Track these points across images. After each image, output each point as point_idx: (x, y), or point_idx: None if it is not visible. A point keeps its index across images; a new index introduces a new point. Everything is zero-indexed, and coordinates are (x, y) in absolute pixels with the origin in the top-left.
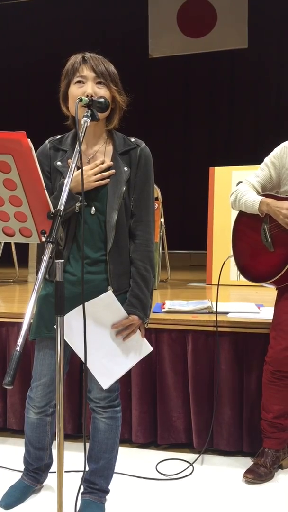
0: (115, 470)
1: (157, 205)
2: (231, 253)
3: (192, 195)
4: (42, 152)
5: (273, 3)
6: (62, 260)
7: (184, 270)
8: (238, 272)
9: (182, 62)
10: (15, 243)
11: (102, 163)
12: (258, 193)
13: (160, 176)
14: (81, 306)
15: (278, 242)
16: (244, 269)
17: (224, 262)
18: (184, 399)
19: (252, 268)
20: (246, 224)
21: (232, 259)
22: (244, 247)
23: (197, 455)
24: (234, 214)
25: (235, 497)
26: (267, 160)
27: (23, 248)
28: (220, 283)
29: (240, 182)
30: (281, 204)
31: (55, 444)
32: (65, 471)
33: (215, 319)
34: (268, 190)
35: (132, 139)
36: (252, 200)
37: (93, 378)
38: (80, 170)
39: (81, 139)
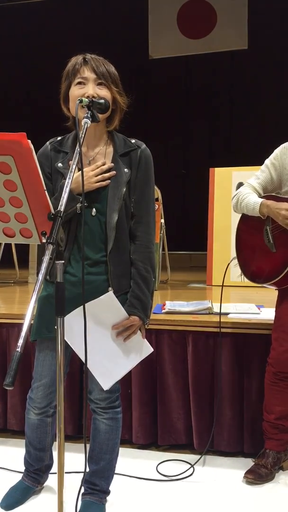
0: (116, 471)
1: (157, 206)
2: (234, 254)
3: (192, 196)
4: (43, 153)
5: (273, 3)
6: (63, 261)
7: (184, 271)
8: (242, 274)
9: (182, 63)
10: (16, 244)
11: (103, 164)
12: (260, 195)
13: (160, 177)
14: (81, 307)
15: (280, 243)
16: (247, 271)
17: (229, 264)
18: (185, 400)
19: (255, 269)
20: (250, 226)
21: (235, 261)
22: (247, 249)
23: (197, 456)
24: (234, 215)
25: (236, 498)
26: (267, 161)
27: (23, 249)
28: (221, 284)
29: (240, 183)
30: (280, 205)
31: (55, 445)
32: (66, 472)
33: (215, 320)
34: (269, 192)
35: (133, 140)
36: (253, 203)
37: (94, 379)
38: (80, 171)
39: (82, 140)
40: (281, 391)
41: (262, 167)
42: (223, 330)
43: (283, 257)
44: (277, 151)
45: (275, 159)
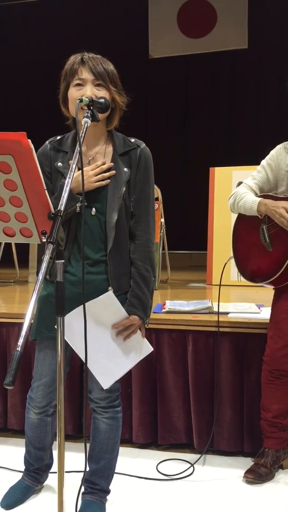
0: (116, 470)
1: (157, 205)
2: (231, 254)
3: (192, 195)
4: (43, 152)
5: (273, 3)
6: (63, 261)
7: (184, 270)
8: (239, 273)
9: (182, 63)
10: (16, 244)
11: (103, 163)
12: (256, 195)
13: (160, 176)
14: (81, 306)
15: (276, 241)
16: (243, 270)
17: (226, 263)
18: (185, 399)
19: (252, 268)
20: (246, 225)
21: (232, 260)
22: (243, 248)
23: (197, 455)
24: (234, 214)
25: (236, 497)
26: (263, 162)
27: (23, 249)
28: (220, 284)
29: (240, 183)
30: (277, 203)
31: (55, 444)
32: (66, 472)
33: (215, 319)
34: (266, 192)
35: (132, 140)
36: (251, 202)
37: (94, 378)
38: (80, 170)
39: (82, 140)
40: (278, 389)
41: (258, 167)
42: (223, 329)
43: (279, 256)
44: (273, 151)
45: (271, 160)
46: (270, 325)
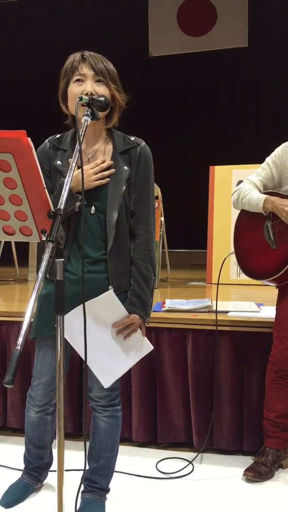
0: (115, 469)
1: (157, 204)
2: (232, 250)
3: (192, 194)
4: (42, 151)
5: (273, 1)
6: (63, 259)
7: (184, 269)
8: (239, 270)
9: (182, 61)
10: (15, 242)
11: (103, 162)
12: (260, 192)
13: (160, 175)
14: (81, 305)
15: (280, 239)
16: (245, 267)
17: (225, 259)
18: (184, 398)
19: (254, 265)
20: (249, 222)
21: (233, 257)
22: (246, 245)
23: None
24: (234, 212)
25: (235, 496)
26: (268, 159)
27: (23, 247)
28: (220, 282)
29: (240, 181)
30: (285, 201)
31: (55, 443)
32: (65, 470)
33: (215, 318)
34: (269, 189)
35: (132, 138)
36: (256, 199)
37: (94, 377)
38: (80, 169)
39: (81, 138)
40: (282, 389)
41: (263, 164)
42: (223, 328)
43: (283, 254)
44: (278, 149)
45: (276, 157)
46: (276, 325)
